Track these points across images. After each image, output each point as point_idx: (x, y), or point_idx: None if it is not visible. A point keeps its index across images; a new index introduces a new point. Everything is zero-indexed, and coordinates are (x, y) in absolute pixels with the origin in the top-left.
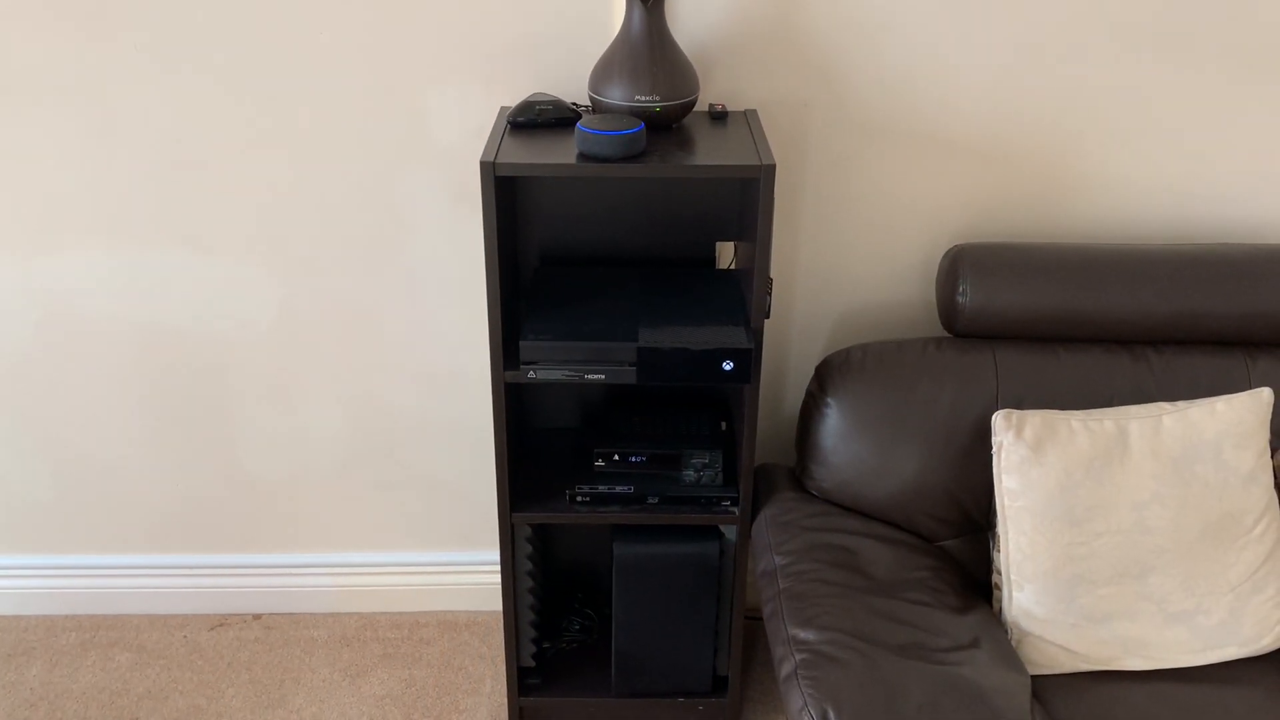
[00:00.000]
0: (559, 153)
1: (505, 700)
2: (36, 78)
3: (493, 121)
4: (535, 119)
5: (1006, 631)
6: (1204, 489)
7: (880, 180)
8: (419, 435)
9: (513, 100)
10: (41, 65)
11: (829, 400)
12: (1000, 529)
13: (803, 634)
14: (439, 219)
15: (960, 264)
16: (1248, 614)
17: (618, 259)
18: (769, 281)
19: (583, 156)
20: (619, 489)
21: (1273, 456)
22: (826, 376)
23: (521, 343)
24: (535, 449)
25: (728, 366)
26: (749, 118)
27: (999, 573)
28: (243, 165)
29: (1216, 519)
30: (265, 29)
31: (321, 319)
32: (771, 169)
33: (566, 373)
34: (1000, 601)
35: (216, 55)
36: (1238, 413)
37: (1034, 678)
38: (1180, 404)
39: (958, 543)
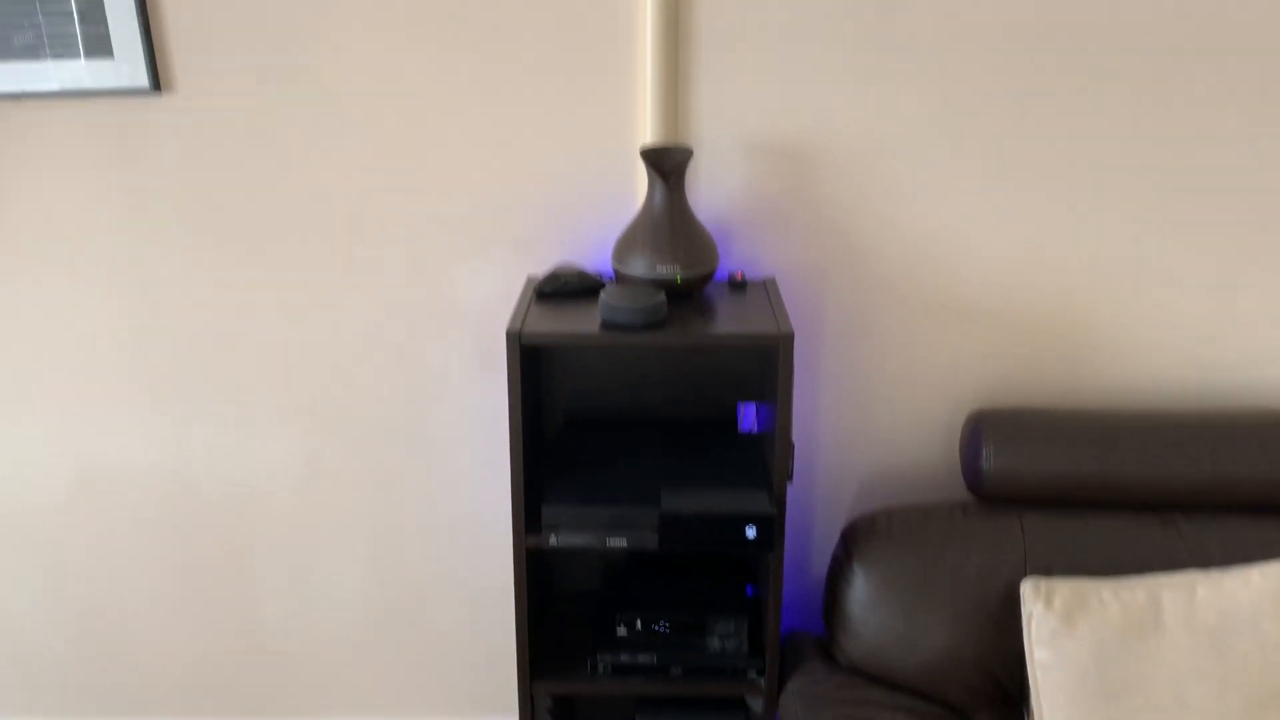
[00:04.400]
0: (583, 321)
1: None
2: (84, 251)
3: (520, 288)
4: (561, 288)
5: None
6: (1244, 664)
7: (900, 344)
8: (440, 597)
9: (540, 268)
10: (89, 240)
11: (855, 567)
12: (1034, 703)
13: None
14: (466, 383)
15: (982, 429)
16: None
17: (640, 420)
18: (790, 445)
19: (605, 325)
20: (642, 658)
21: None
22: (852, 542)
23: (544, 508)
24: (557, 613)
25: (751, 533)
26: (768, 286)
27: None
28: (275, 332)
29: (1261, 696)
30: (301, 209)
31: (347, 480)
32: (790, 338)
33: (588, 538)
34: None
35: (255, 233)
36: (1273, 584)
37: None
38: (1214, 573)
39: (991, 715)
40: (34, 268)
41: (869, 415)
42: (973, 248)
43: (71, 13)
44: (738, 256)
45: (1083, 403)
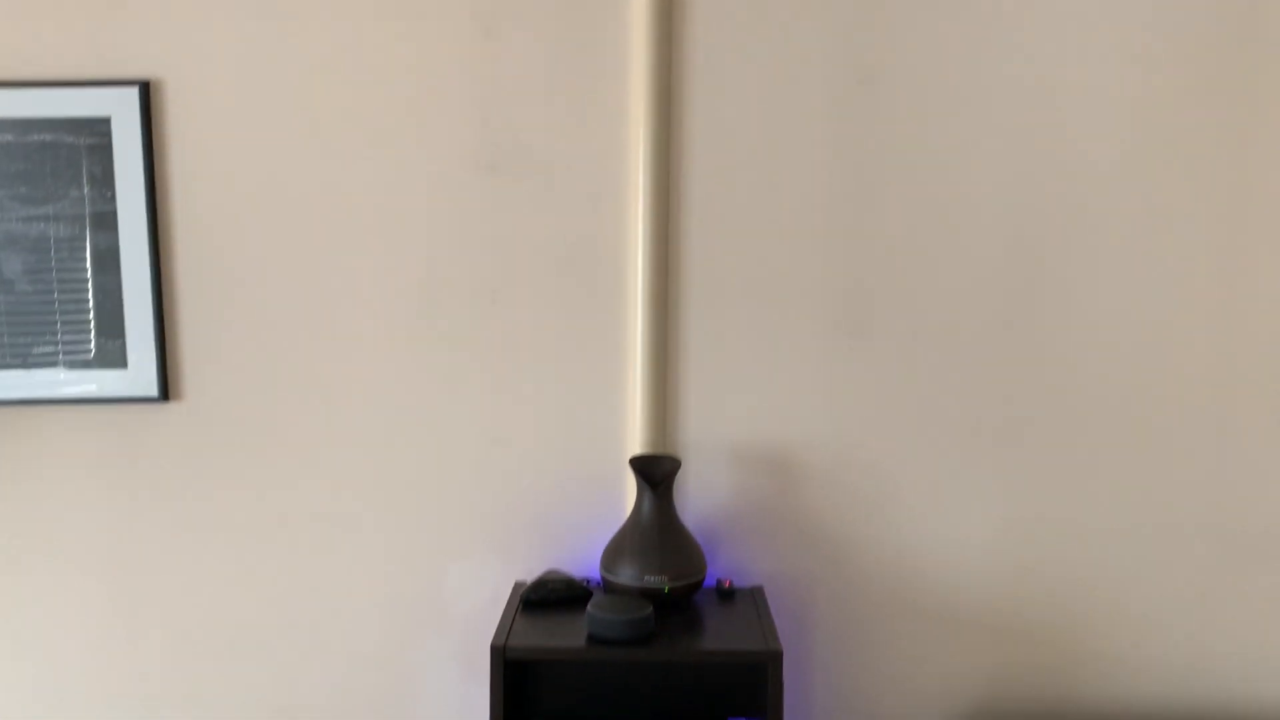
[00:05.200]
0: (569, 633)
1: None
2: (80, 551)
3: (507, 594)
4: (548, 596)
5: None
6: None
7: (889, 652)
8: None
9: (527, 573)
10: (86, 540)
11: None
12: None
13: None
14: (447, 690)
15: None
16: None
17: None
18: None
19: (592, 639)
20: None
21: None
22: None
23: None
24: None
25: None
26: (756, 596)
27: None
28: (254, 640)
29: None
30: (295, 511)
31: None
32: (779, 656)
33: None
34: None
35: (251, 533)
36: None
37: None
38: None
39: None
40: (31, 565)
41: None
42: (960, 556)
43: (89, 326)
44: (726, 563)
45: (1080, 710)
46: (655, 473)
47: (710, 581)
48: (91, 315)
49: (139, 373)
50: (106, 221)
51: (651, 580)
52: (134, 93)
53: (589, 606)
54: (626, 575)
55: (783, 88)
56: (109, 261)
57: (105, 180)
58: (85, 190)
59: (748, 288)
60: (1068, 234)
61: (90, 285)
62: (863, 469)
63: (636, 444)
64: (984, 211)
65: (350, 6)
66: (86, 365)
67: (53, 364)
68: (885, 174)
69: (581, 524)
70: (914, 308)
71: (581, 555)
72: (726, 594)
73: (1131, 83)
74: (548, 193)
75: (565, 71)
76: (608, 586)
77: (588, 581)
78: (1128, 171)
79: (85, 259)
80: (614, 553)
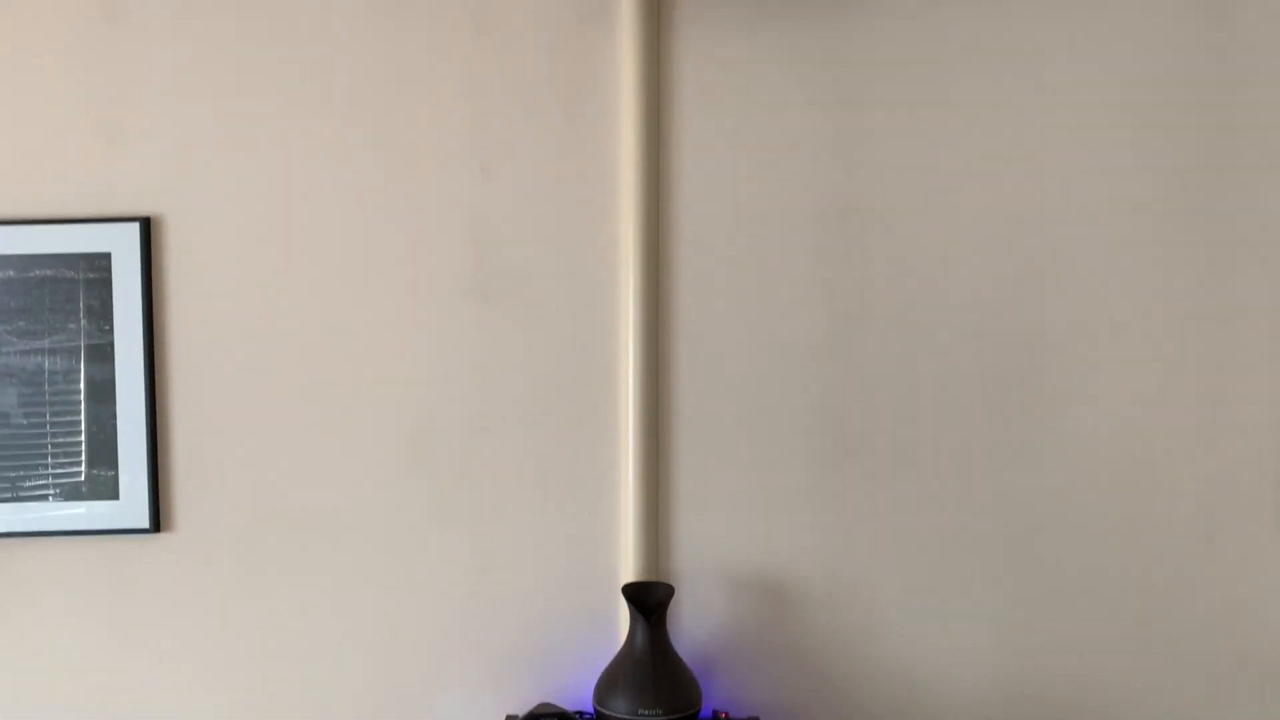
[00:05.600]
0: None
1: None
2: (67, 686)
3: None
4: None
5: None
6: None
7: None
8: None
9: (519, 706)
10: (72, 675)
11: None
12: None
13: None
14: None
15: None
16: None
17: None
18: None
19: None
20: None
21: None
22: None
23: None
24: None
25: None
26: None
27: None
28: None
29: None
30: (282, 642)
31: None
32: None
33: None
34: None
35: (240, 662)
36: None
37: None
38: None
39: None
40: (19, 700)
41: None
42: (958, 678)
43: (81, 458)
44: (721, 693)
45: None
46: (648, 601)
47: (706, 713)
48: (84, 447)
49: (131, 504)
50: (103, 354)
51: (646, 714)
52: (134, 228)
53: None
54: (621, 709)
55: (768, 217)
56: (104, 393)
57: (103, 313)
58: (82, 323)
59: (737, 412)
60: (1051, 350)
61: (84, 417)
62: (858, 591)
63: (629, 571)
64: (968, 331)
65: (346, 142)
66: (78, 497)
67: (43, 497)
68: (869, 299)
69: (574, 654)
70: (902, 427)
71: (574, 686)
72: None
73: (1111, 201)
74: (540, 322)
75: (558, 204)
76: None
77: (581, 715)
78: (1109, 288)
79: (79, 391)
80: (607, 685)
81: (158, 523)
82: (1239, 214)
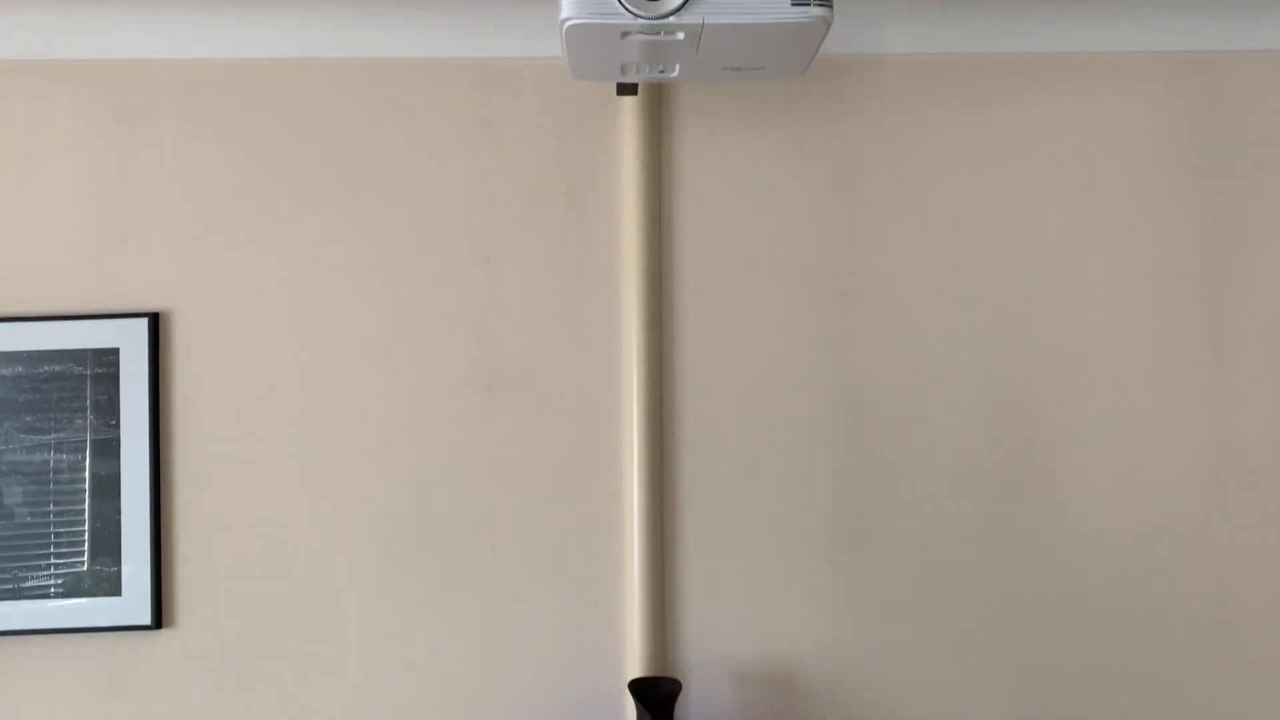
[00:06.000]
0: None
1: None
2: None
3: None
4: None
5: None
6: None
7: None
8: None
9: None
10: None
11: None
12: None
13: None
14: None
15: None
16: None
17: None
18: None
19: None
20: None
21: None
22: None
23: None
24: None
25: None
26: None
27: None
28: None
29: None
30: None
31: None
32: None
33: None
34: None
35: None
36: None
37: None
38: None
39: None
40: None
41: None
42: None
43: (84, 554)
44: None
45: None
46: (655, 696)
47: None
48: (87, 541)
49: (133, 600)
50: (108, 449)
51: None
52: (143, 324)
53: None
54: None
55: (771, 304)
56: (109, 488)
57: (110, 408)
58: (89, 418)
59: (743, 501)
60: (1056, 434)
61: (87, 511)
62: (868, 683)
63: (635, 665)
64: (973, 416)
65: (353, 236)
66: (79, 593)
67: (45, 594)
68: (873, 385)
69: None
70: (909, 515)
71: None
72: None
73: (1110, 286)
74: (543, 411)
75: (561, 294)
76: None
77: None
78: (1108, 372)
79: (84, 486)
80: None
81: (159, 619)
82: (1237, 294)
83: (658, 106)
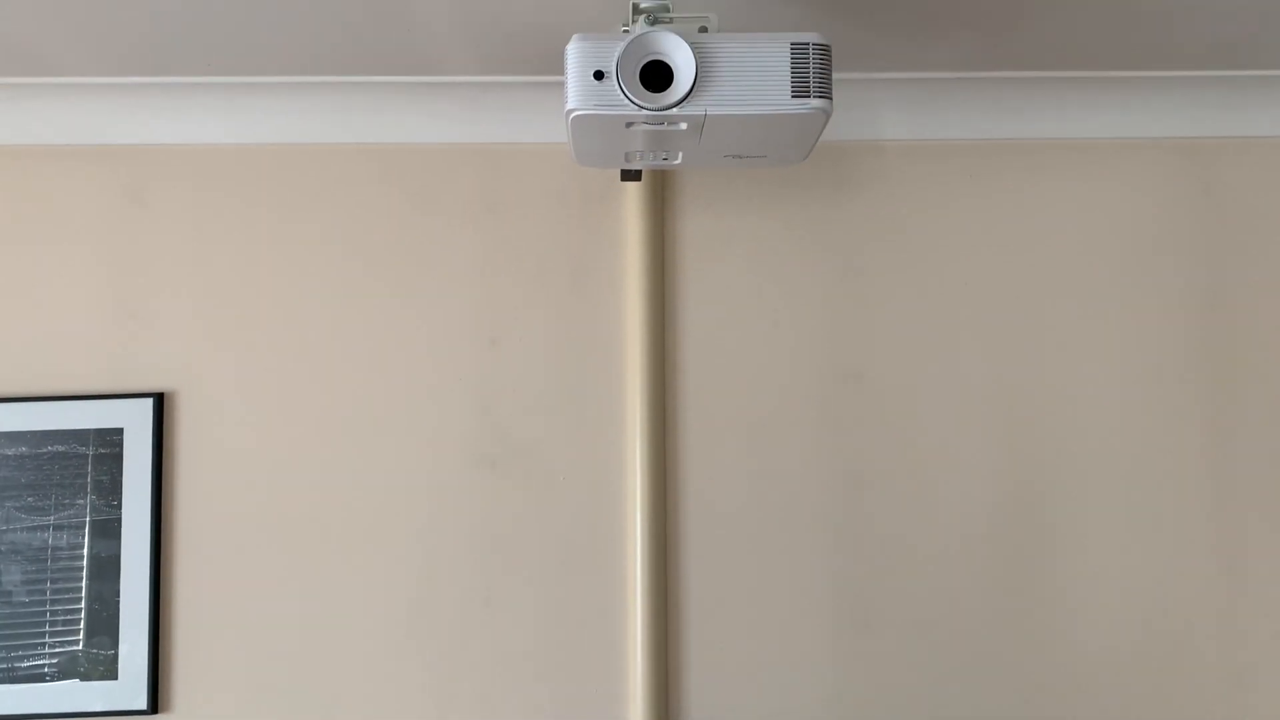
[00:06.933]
0: None
1: None
2: None
3: None
4: None
5: None
6: None
7: None
8: None
9: None
10: None
11: None
12: None
13: None
14: None
15: None
16: None
17: None
18: None
19: None
20: None
21: None
22: None
23: None
24: None
25: None
26: None
27: None
28: None
29: None
30: None
31: None
32: None
33: None
34: None
35: None
36: None
37: None
38: None
39: None
40: None
41: None
42: None
43: (80, 637)
44: None
45: None
46: None
47: None
48: (83, 626)
49: (129, 684)
50: (109, 530)
51: None
52: (148, 404)
53: None
54: None
55: (774, 385)
56: (108, 570)
57: (112, 489)
58: (90, 499)
59: (747, 584)
60: (1059, 520)
61: (85, 593)
62: None
63: None
64: (976, 499)
65: (358, 318)
66: (75, 676)
67: (40, 678)
68: (877, 466)
69: None
70: (913, 600)
71: None
72: None
73: (1114, 373)
74: (546, 490)
75: (565, 374)
76: None
77: None
78: (1111, 463)
79: (82, 568)
80: None
81: (156, 703)
82: (1238, 377)
83: (661, 190)
